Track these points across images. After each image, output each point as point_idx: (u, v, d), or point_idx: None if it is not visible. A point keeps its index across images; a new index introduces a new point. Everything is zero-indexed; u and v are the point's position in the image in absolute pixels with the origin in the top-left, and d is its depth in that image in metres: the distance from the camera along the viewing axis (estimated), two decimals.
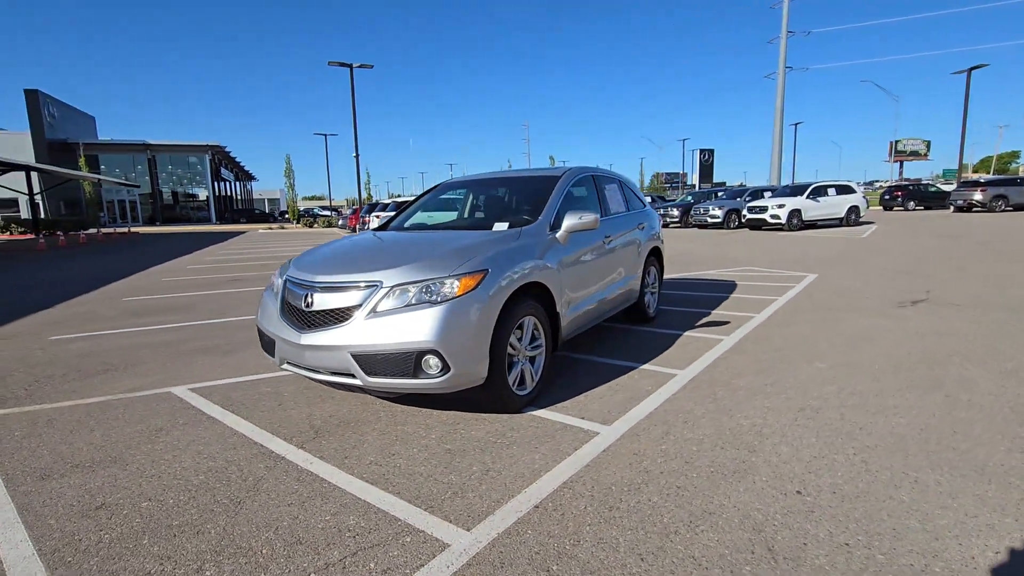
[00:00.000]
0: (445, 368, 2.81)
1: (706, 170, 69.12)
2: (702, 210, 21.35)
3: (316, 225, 37.84)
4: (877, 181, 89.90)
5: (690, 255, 12.05)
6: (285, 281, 3.38)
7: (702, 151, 69.04)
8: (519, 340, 3.27)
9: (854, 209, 19.41)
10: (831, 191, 19.20)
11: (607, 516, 2.19)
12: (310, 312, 3.06)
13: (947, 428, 2.88)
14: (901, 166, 60.94)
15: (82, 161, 37.24)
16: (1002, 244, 11.51)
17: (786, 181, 40.57)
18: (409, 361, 2.80)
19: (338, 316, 2.97)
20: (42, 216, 33.58)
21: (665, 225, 23.63)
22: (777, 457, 2.63)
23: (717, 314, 5.85)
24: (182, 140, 48.00)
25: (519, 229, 3.61)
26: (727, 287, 7.60)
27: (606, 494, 2.35)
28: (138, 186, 44.06)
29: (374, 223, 14.28)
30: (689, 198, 26.16)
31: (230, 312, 6.94)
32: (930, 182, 42.73)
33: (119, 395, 3.86)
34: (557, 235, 3.73)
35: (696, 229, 21.44)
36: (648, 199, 27.28)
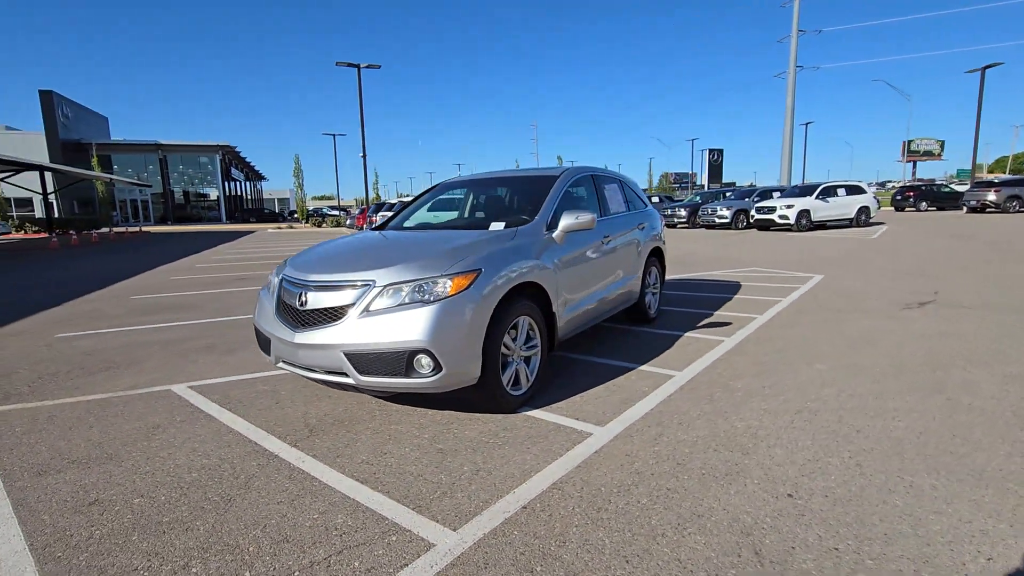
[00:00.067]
0: (437, 368, 2.81)
1: (715, 170, 68.66)
2: (710, 210, 21.19)
3: (325, 225, 38.06)
4: (890, 181, 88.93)
5: (696, 256, 11.98)
6: (281, 280, 3.39)
7: (711, 151, 68.57)
8: (513, 340, 3.26)
9: (864, 210, 19.20)
10: (841, 191, 19.01)
11: (595, 517, 2.17)
12: (304, 311, 3.07)
13: (946, 432, 2.84)
14: (914, 166, 60.14)
15: (95, 161, 37.75)
16: (1014, 245, 11.33)
17: (796, 181, 40.27)
18: (401, 360, 2.80)
19: (332, 315, 2.98)
20: (56, 215, 34.06)
21: (672, 225, 23.51)
22: (771, 460, 2.60)
23: (719, 315, 5.81)
24: (193, 140, 48.50)
25: (515, 229, 3.60)
26: (731, 288, 7.54)
27: (595, 495, 2.34)
28: (150, 186, 44.57)
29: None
30: (697, 198, 25.98)
31: (235, 311, 6.99)
32: (943, 182, 42.12)
33: (119, 392, 3.90)
34: (554, 235, 3.72)
35: (704, 229, 21.30)
36: (656, 199, 27.09)
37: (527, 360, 3.41)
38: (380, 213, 19.96)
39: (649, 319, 5.46)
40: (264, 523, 2.20)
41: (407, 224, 4.54)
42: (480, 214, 4.62)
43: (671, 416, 3.16)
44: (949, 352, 4.22)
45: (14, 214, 35.89)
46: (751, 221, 19.74)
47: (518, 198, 4.45)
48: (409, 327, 2.78)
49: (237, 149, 52.34)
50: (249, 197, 69.00)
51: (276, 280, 3.48)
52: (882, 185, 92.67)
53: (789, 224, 18.10)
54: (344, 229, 32.03)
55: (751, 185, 47.33)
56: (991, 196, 23.89)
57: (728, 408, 3.25)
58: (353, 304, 2.94)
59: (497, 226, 3.73)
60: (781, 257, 11.08)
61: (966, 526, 2.04)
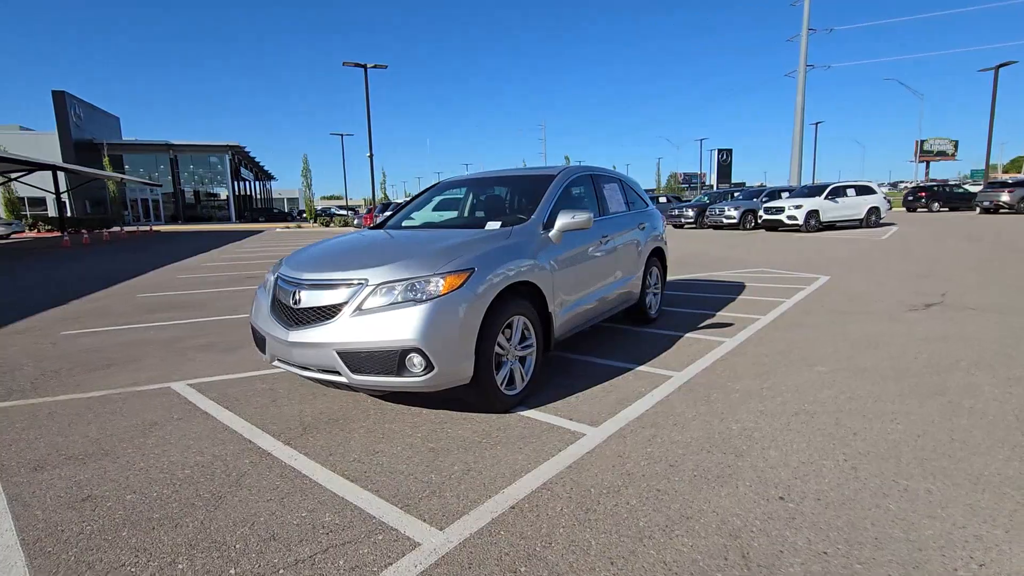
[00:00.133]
0: (429, 367, 2.80)
1: (724, 170, 68.16)
2: (717, 211, 21.05)
3: (333, 224, 38.25)
4: (902, 182, 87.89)
5: (701, 256, 11.91)
6: (276, 279, 3.41)
7: (720, 151, 68.09)
8: (508, 340, 3.25)
9: (874, 210, 18.99)
10: (850, 192, 18.81)
11: (583, 518, 2.16)
12: (298, 309, 3.08)
13: (944, 435, 2.79)
14: (927, 166, 59.36)
15: (106, 161, 38.17)
16: None
17: (807, 182, 39.88)
18: (393, 359, 2.80)
19: (325, 313, 2.99)
20: (69, 214, 34.51)
21: (680, 226, 23.39)
22: (764, 462, 2.57)
23: (721, 316, 5.77)
24: (203, 140, 48.93)
25: (510, 228, 3.59)
26: (735, 288, 7.48)
27: (584, 496, 2.32)
28: (160, 185, 45.02)
29: None
30: (704, 198, 25.82)
31: (238, 310, 7.03)
32: (956, 183, 41.54)
33: (119, 389, 3.93)
34: (550, 234, 3.70)
35: (711, 230, 21.17)
36: (663, 199, 26.99)
37: (522, 360, 3.40)
38: (387, 213, 20.05)
39: (650, 319, 5.42)
40: (252, 521, 2.21)
41: (405, 223, 4.55)
42: (478, 213, 4.61)
43: (666, 417, 3.13)
44: (953, 355, 4.16)
45: (27, 213, 36.38)
46: (759, 222, 19.58)
47: (515, 197, 4.44)
48: (401, 326, 2.78)
49: (247, 149, 52.77)
50: (258, 197, 69.51)
51: (272, 278, 3.49)
52: (894, 186, 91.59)
53: (798, 225, 17.94)
54: (352, 228, 32.15)
55: (761, 185, 46.99)
56: (1004, 197, 23.55)
57: (724, 409, 3.22)
58: (346, 303, 2.94)
59: (493, 225, 3.72)
60: (788, 258, 10.99)
61: (960, 531, 2.00)
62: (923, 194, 29.59)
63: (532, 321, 3.40)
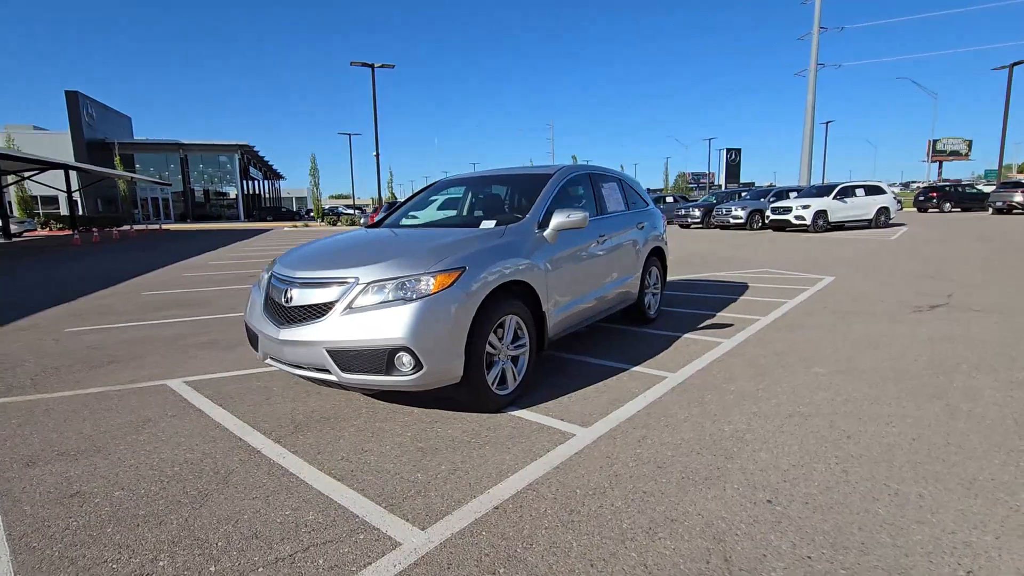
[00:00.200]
0: (418, 366, 2.80)
1: (733, 170, 67.65)
2: (724, 211, 20.92)
3: (340, 223, 38.42)
4: (915, 182, 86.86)
5: (706, 256, 11.83)
6: (270, 277, 3.42)
7: (728, 150, 67.60)
8: (500, 339, 3.24)
9: (884, 210, 18.79)
10: (859, 192, 18.62)
11: (566, 520, 2.14)
12: (290, 307, 3.09)
13: (940, 439, 2.75)
14: (940, 166, 58.57)
15: (117, 160, 38.55)
16: None
17: (816, 181, 39.51)
18: (382, 358, 2.79)
19: (316, 312, 2.99)
20: (80, 213, 34.91)
21: (686, 226, 23.27)
22: (754, 464, 2.54)
23: (722, 316, 5.72)
24: (213, 140, 49.30)
25: (504, 227, 3.58)
26: (738, 289, 7.42)
27: (569, 497, 2.30)
28: (170, 184, 45.38)
29: None
30: (712, 198, 25.66)
31: (241, 307, 7.07)
32: (969, 183, 40.98)
33: (117, 386, 3.96)
34: (545, 233, 3.69)
35: (718, 230, 21.03)
36: (670, 199, 26.83)
37: (515, 359, 3.38)
38: (383, 212, 20.09)
39: (649, 320, 5.39)
40: (236, 518, 2.21)
41: (402, 222, 4.55)
42: (476, 212, 4.60)
43: (658, 418, 3.11)
44: (955, 357, 4.09)
45: (40, 211, 36.85)
46: (766, 222, 19.44)
47: (513, 196, 4.43)
48: (390, 325, 2.77)
49: (255, 148, 53.12)
50: (267, 196, 69.95)
51: (266, 277, 3.50)
52: (906, 186, 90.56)
53: (805, 225, 17.79)
54: (358, 227, 32.25)
55: (771, 185, 46.62)
56: (1018, 197, 23.23)
57: (717, 411, 3.19)
58: (337, 301, 2.94)
59: (488, 224, 3.71)
60: (794, 258, 10.89)
61: (949, 537, 1.96)
62: (934, 194, 29.23)
63: (525, 321, 3.38)
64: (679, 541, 1.99)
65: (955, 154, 58.08)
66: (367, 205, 56.45)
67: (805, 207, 17.86)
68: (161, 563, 1.94)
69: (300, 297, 3.06)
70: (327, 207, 45.81)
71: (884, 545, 1.93)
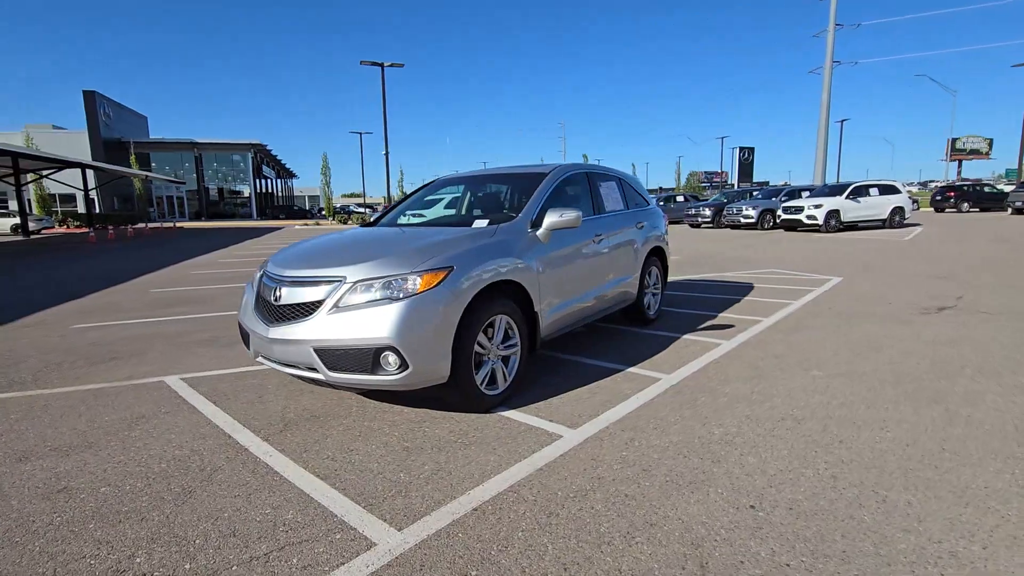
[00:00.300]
0: (403, 365, 2.79)
1: (745, 169, 67.00)
2: (735, 210, 20.69)
3: (351, 222, 38.64)
4: (933, 181, 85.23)
5: (714, 256, 11.71)
6: (262, 275, 3.44)
7: (741, 149, 66.96)
8: (490, 339, 3.22)
9: (898, 210, 18.45)
10: (873, 191, 18.30)
11: (544, 522, 2.12)
12: (279, 306, 3.10)
13: (935, 445, 2.68)
14: (959, 165, 57.46)
15: (132, 159, 39.11)
16: None
17: (831, 181, 38.93)
18: (367, 357, 2.79)
19: (304, 310, 3.00)
20: (97, 211, 35.50)
21: (697, 225, 23.07)
22: (740, 469, 2.50)
23: (723, 317, 5.65)
24: (227, 139, 49.83)
25: (496, 226, 3.56)
26: (742, 289, 7.34)
27: (549, 500, 2.28)
28: (184, 183, 45.99)
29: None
30: (722, 198, 25.40)
31: None
32: (989, 182, 40.14)
33: (116, 383, 4.01)
34: (538, 233, 3.66)
35: (728, 230, 20.82)
36: (680, 198, 26.61)
37: (505, 360, 3.36)
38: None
39: (648, 320, 5.34)
40: (217, 516, 2.22)
41: (399, 221, 4.55)
42: (473, 211, 4.59)
43: (648, 420, 3.07)
44: (959, 360, 4.00)
45: (58, 209, 37.52)
46: (778, 221, 19.20)
47: (508, 195, 4.41)
48: (376, 324, 2.77)
49: (268, 147, 53.59)
50: (280, 194, 70.57)
51: (259, 275, 3.52)
52: (924, 185, 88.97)
53: (817, 225, 17.53)
54: None
55: (785, 184, 46.07)
56: None
57: (709, 414, 3.15)
58: (324, 300, 2.95)
59: (480, 223, 3.69)
60: (803, 259, 10.74)
61: (934, 546, 1.91)
62: (952, 194, 28.67)
63: (516, 321, 3.36)
64: (656, 546, 1.96)
65: (975, 153, 56.96)
66: (379, 203, 56.72)
67: (817, 207, 17.61)
68: (138, 560, 1.95)
69: (289, 296, 3.07)
70: (338, 205, 46.12)
71: (866, 554, 1.88)
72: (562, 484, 2.41)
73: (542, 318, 3.61)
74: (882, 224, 18.44)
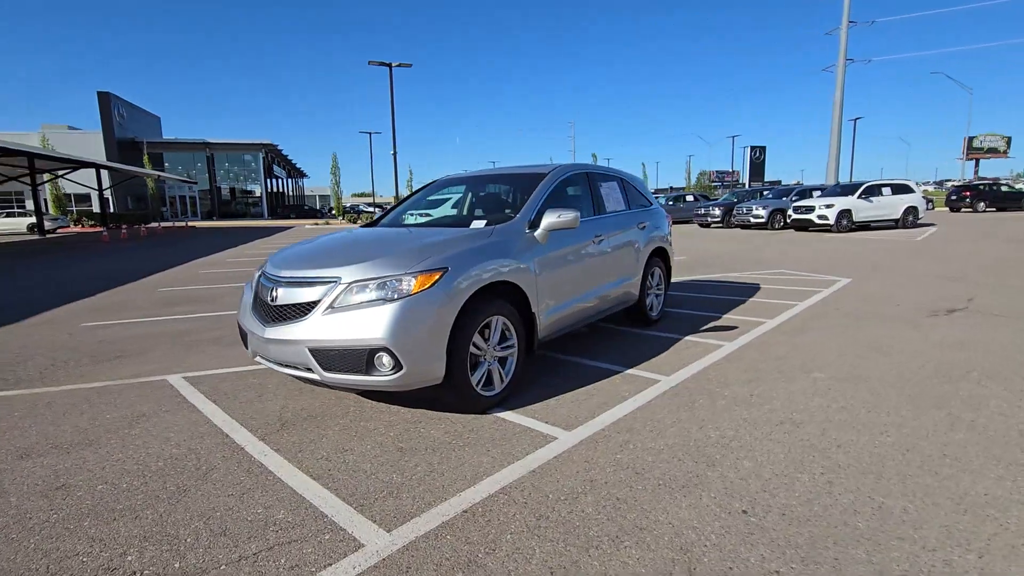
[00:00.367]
0: (397, 366, 2.79)
1: (757, 168, 66.34)
2: (745, 210, 20.51)
3: (360, 221, 38.84)
4: (949, 180, 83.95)
5: (722, 256, 11.62)
6: (259, 276, 3.46)
7: (752, 148, 66.33)
8: (486, 340, 3.22)
9: (911, 210, 18.19)
10: (886, 191, 18.06)
11: (533, 525, 2.11)
12: (275, 306, 3.12)
13: (936, 451, 2.63)
14: (976, 164, 56.42)
15: (146, 159, 39.59)
16: None
17: (845, 180, 38.46)
18: (362, 358, 2.80)
19: (299, 311, 3.01)
20: (111, 210, 35.98)
21: (706, 225, 22.90)
22: (735, 473, 2.47)
23: (727, 318, 5.60)
24: (238, 139, 50.28)
25: (493, 227, 3.55)
26: (748, 290, 7.27)
27: (540, 502, 2.27)
28: (196, 182, 46.46)
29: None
30: (732, 197, 25.18)
31: None
32: (1007, 181, 39.42)
33: (119, 381, 4.06)
34: (536, 234, 3.65)
35: (738, 229, 20.65)
36: (690, 197, 26.39)
37: (502, 361, 3.36)
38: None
39: (651, 321, 5.31)
40: (209, 515, 2.24)
41: (399, 221, 4.56)
42: (472, 211, 4.59)
43: (644, 423, 3.05)
44: (966, 364, 3.93)
45: (73, 209, 38.09)
46: (788, 221, 19.00)
47: (507, 196, 4.40)
48: (370, 324, 2.77)
49: (279, 147, 54.02)
50: (291, 194, 71.12)
51: (257, 275, 3.54)
52: (940, 184, 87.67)
53: (828, 225, 17.33)
54: None
55: (797, 184, 45.59)
56: None
57: (706, 416, 3.12)
58: (320, 301, 2.96)
59: (478, 224, 3.69)
60: (812, 259, 10.62)
61: (928, 555, 1.88)
62: (967, 193, 28.22)
63: (513, 322, 3.35)
64: (644, 551, 1.94)
65: (993, 151, 55.91)
66: (388, 203, 56.95)
67: (828, 206, 17.41)
68: (129, 558, 1.97)
69: (285, 296, 3.09)
70: (348, 205, 46.38)
71: (859, 561, 1.85)
72: (554, 486, 2.39)
73: (540, 319, 3.59)
74: (895, 224, 18.19)
